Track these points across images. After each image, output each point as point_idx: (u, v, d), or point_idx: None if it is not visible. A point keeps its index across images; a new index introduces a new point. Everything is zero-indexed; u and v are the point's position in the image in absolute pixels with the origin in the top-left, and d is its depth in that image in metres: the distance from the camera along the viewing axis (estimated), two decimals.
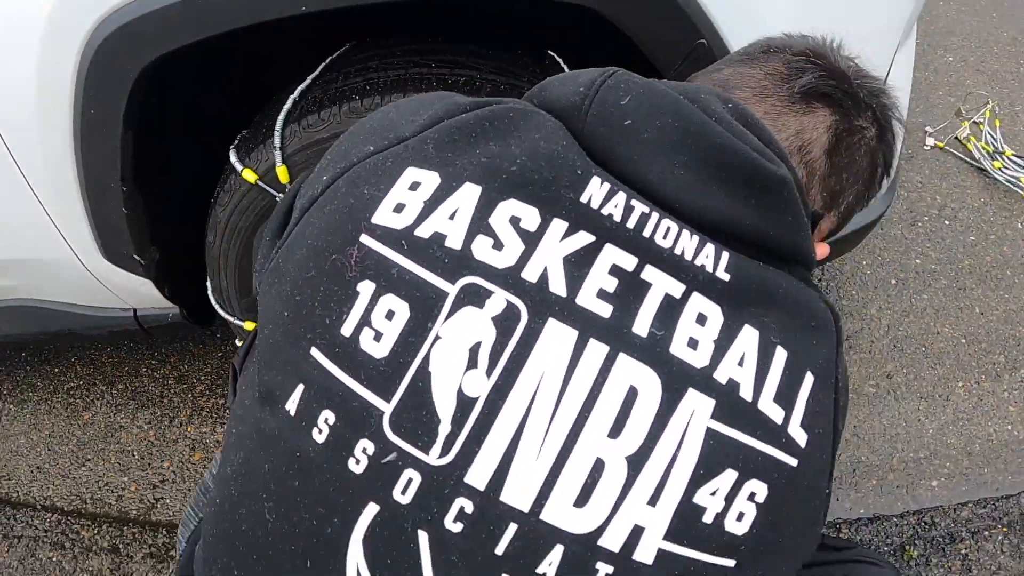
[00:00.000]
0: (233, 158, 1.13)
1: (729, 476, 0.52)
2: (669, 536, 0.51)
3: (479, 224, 0.52)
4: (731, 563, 0.53)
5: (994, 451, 1.49)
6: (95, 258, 1.24)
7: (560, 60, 1.09)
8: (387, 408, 0.51)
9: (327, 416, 0.52)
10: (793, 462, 0.55)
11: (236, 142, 1.17)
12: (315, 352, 0.53)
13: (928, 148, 2.08)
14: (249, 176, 1.10)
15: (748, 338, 0.55)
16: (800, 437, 0.56)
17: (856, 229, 1.30)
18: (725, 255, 0.55)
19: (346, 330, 0.52)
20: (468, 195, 0.53)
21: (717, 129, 0.56)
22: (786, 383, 0.55)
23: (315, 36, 1.14)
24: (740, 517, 0.53)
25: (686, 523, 0.51)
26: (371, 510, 0.51)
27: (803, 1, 0.95)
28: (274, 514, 0.53)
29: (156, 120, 1.09)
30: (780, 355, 0.56)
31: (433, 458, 0.50)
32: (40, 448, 1.62)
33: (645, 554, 0.51)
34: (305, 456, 0.52)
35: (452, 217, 0.52)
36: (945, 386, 1.59)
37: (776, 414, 0.55)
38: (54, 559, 1.43)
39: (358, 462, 0.51)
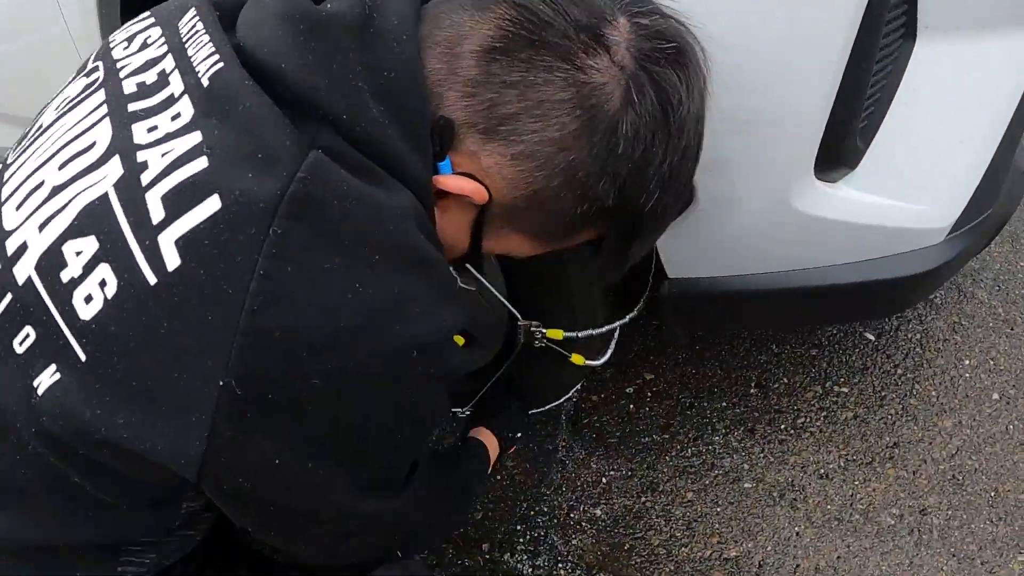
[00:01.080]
0: None
1: (91, 244, 0.57)
2: (39, 269, 0.58)
3: (131, 38, 0.69)
4: (81, 354, 0.56)
5: None
6: None
7: None
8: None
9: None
10: (151, 278, 0.54)
11: None
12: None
13: None
14: None
15: (188, 138, 0.58)
16: (170, 256, 0.54)
17: (885, 279, 0.92)
18: (218, 66, 0.59)
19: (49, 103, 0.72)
20: (145, 23, 0.70)
21: None
22: (183, 189, 0.55)
23: None
24: (88, 299, 0.56)
25: (50, 265, 0.58)
26: None
27: None
28: None
29: None
30: (198, 163, 0.56)
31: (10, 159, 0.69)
32: None
33: (20, 272, 0.59)
34: None
35: (130, 29, 0.70)
36: (998, 553, 1.12)
37: (156, 212, 0.55)
38: None
39: None
